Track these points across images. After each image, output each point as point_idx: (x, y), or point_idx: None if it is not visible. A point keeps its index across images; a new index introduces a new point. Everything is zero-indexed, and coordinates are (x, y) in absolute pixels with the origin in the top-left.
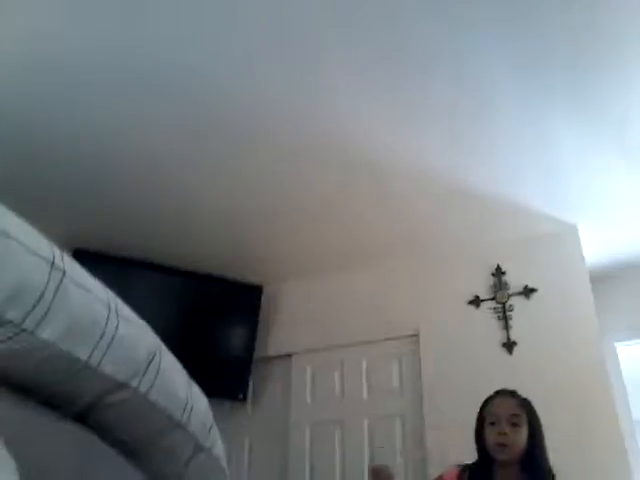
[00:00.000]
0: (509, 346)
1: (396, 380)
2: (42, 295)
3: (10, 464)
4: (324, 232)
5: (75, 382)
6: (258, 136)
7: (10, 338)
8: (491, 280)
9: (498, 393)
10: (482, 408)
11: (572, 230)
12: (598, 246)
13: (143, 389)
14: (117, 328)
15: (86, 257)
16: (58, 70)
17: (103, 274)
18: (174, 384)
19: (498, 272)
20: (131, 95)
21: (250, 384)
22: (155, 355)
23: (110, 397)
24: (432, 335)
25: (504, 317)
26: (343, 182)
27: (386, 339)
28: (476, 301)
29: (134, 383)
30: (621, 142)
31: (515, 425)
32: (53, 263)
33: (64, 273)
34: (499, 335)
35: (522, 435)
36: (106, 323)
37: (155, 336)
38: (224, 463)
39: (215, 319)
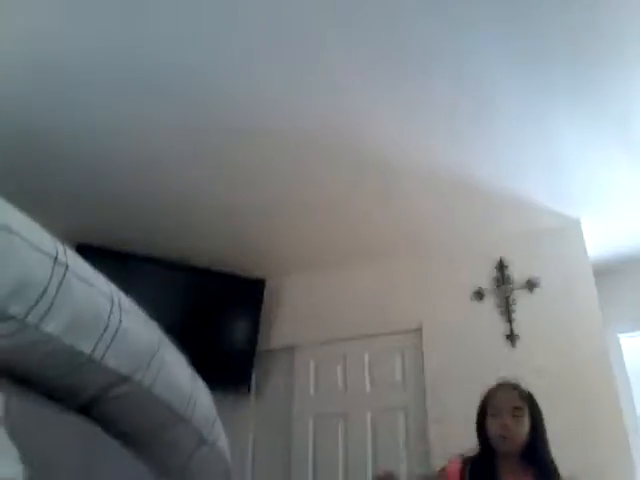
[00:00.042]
0: (512, 339)
1: (399, 373)
2: (45, 290)
3: (13, 453)
4: (327, 226)
5: (79, 375)
6: (259, 132)
7: (14, 333)
8: (494, 274)
9: (500, 385)
10: (484, 400)
11: (575, 224)
12: (601, 240)
13: (146, 382)
14: (120, 322)
15: (89, 252)
16: (58, 70)
17: (105, 268)
18: (177, 377)
19: (501, 266)
20: (131, 95)
21: (253, 377)
22: (158, 348)
23: (113, 390)
24: (435, 328)
25: (507, 310)
26: (346, 177)
27: (389, 333)
28: (479, 295)
29: (137, 376)
30: (623, 137)
31: (517, 417)
32: (56, 258)
33: (67, 267)
34: (502, 328)
35: (524, 427)
36: (109, 317)
37: (158, 330)
38: (227, 456)
39: (218, 313)
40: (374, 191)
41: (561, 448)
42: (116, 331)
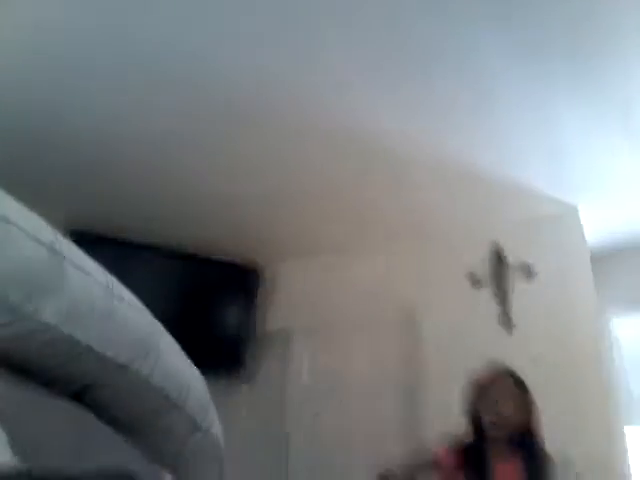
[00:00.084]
0: (509, 326)
1: (394, 359)
2: (42, 279)
3: (2, 438)
4: (324, 214)
5: (76, 364)
6: (260, 119)
7: (12, 322)
8: (492, 260)
9: (494, 372)
10: (477, 386)
11: (574, 211)
12: (599, 226)
13: (143, 371)
14: (117, 310)
15: (85, 240)
16: (58, 57)
17: (102, 257)
18: (173, 365)
19: (499, 253)
20: (131, 81)
21: (248, 363)
22: (155, 337)
23: (110, 378)
24: (431, 315)
25: (504, 297)
26: (345, 165)
27: (385, 319)
28: (476, 281)
29: (134, 365)
30: (624, 124)
31: (511, 404)
32: (53, 247)
33: (64, 257)
34: (499, 315)
35: (517, 414)
36: (106, 305)
37: (154, 318)
38: (221, 442)
39: (213, 300)
40: (374, 179)
41: (555, 433)
42: (113, 320)
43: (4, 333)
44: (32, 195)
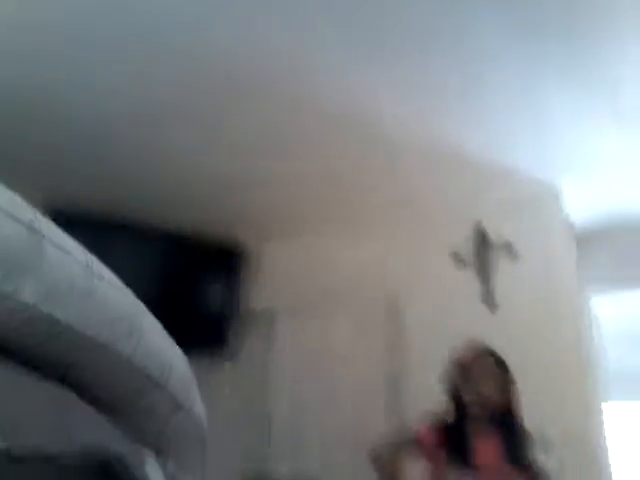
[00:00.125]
0: (492, 305)
1: (378, 339)
2: (21, 258)
3: None
4: (309, 194)
5: (56, 343)
6: (257, 92)
7: None
8: (476, 241)
9: (475, 352)
10: (458, 366)
11: (558, 191)
12: (584, 206)
13: (124, 350)
14: (97, 289)
15: (65, 219)
16: (58, 28)
17: (83, 236)
18: (155, 344)
19: (483, 233)
20: (131, 51)
21: (231, 342)
22: (136, 316)
23: (91, 358)
24: (415, 294)
25: (487, 277)
26: (334, 145)
27: (369, 299)
28: (460, 261)
29: (115, 344)
30: (614, 105)
31: (490, 383)
32: (32, 226)
33: (43, 236)
34: (482, 295)
35: (496, 393)
36: (86, 285)
37: (136, 297)
38: (204, 422)
39: (197, 279)
40: (361, 160)
41: (535, 411)
42: (93, 299)
43: None
44: (11, 172)
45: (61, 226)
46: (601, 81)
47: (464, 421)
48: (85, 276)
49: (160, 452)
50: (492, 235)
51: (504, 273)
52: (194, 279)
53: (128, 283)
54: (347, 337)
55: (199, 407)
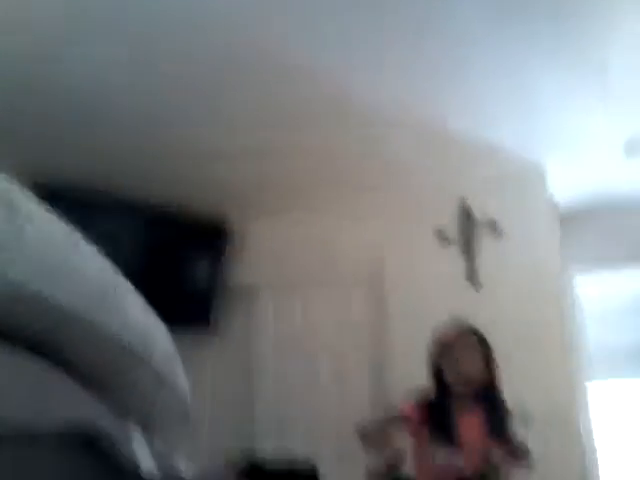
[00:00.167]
0: (476, 283)
1: (362, 316)
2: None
3: None
4: (295, 170)
5: (32, 315)
6: (255, 68)
7: None
8: (460, 218)
9: (457, 330)
10: (440, 344)
11: (542, 170)
12: (569, 186)
13: (104, 323)
14: (74, 261)
15: (51, 193)
16: None
17: (67, 211)
18: (136, 318)
19: (467, 211)
20: (131, 22)
21: (215, 318)
22: (116, 290)
23: (68, 329)
24: (399, 272)
25: (472, 255)
26: (321, 121)
27: (353, 276)
28: (444, 239)
29: (94, 317)
30: (601, 86)
31: (472, 361)
32: (10, 204)
33: (22, 211)
34: (465, 271)
35: (479, 369)
36: (66, 258)
37: (116, 270)
38: (187, 397)
39: (182, 255)
40: (349, 137)
41: (519, 388)
42: (75, 274)
43: None
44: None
45: (46, 200)
46: (587, 62)
47: (447, 398)
48: (63, 248)
49: (146, 429)
50: (477, 213)
51: (488, 251)
52: (178, 255)
53: (112, 259)
54: (330, 314)
55: (183, 383)
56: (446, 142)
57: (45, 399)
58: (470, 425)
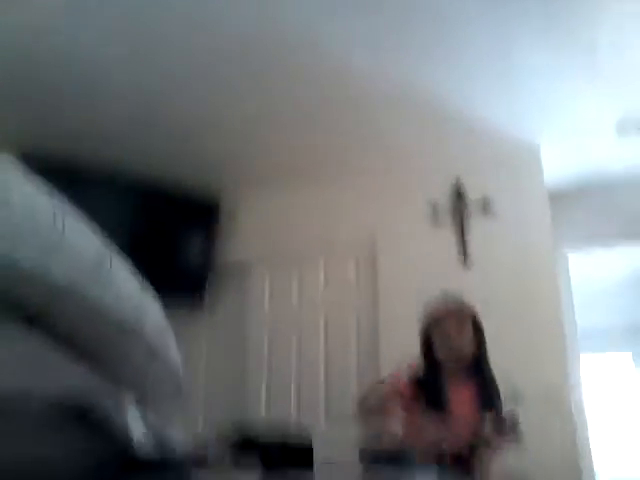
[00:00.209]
0: (467, 261)
1: (354, 291)
2: None
3: None
4: (288, 143)
5: (23, 288)
6: (242, 36)
7: None
8: (452, 197)
9: (447, 305)
10: (430, 320)
11: (535, 150)
12: (561, 165)
13: (95, 295)
14: (64, 234)
15: (42, 165)
16: None
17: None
18: (128, 291)
19: (460, 189)
20: None
21: (208, 293)
22: (105, 261)
23: (62, 304)
24: (390, 248)
25: (462, 231)
26: (316, 95)
27: (345, 251)
28: (435, 215)
29: (86, 290)
30: (591, 66)
31: (462, 337)
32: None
33: (10, 180)
34: (457, 248)
35: (470, 344)
36: (52, 230)
37: (106, 242)
38: (179, 370)
39: (174, 231)
40: (342, 111)
41: (509, 365)
42: (61, 245)
43: None
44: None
45: (40, 173)
46: (578, 42)
47: (438, 374)
48: (53, 223)
49: (139, 401)
50: (469, 191)
51: (480, 229)
52: (172, 230)
53: (105, 234)
54: (323, 289)
55: (175, 356)
56: (439, 122)
57: (40, 372)
58: (461, 399)
